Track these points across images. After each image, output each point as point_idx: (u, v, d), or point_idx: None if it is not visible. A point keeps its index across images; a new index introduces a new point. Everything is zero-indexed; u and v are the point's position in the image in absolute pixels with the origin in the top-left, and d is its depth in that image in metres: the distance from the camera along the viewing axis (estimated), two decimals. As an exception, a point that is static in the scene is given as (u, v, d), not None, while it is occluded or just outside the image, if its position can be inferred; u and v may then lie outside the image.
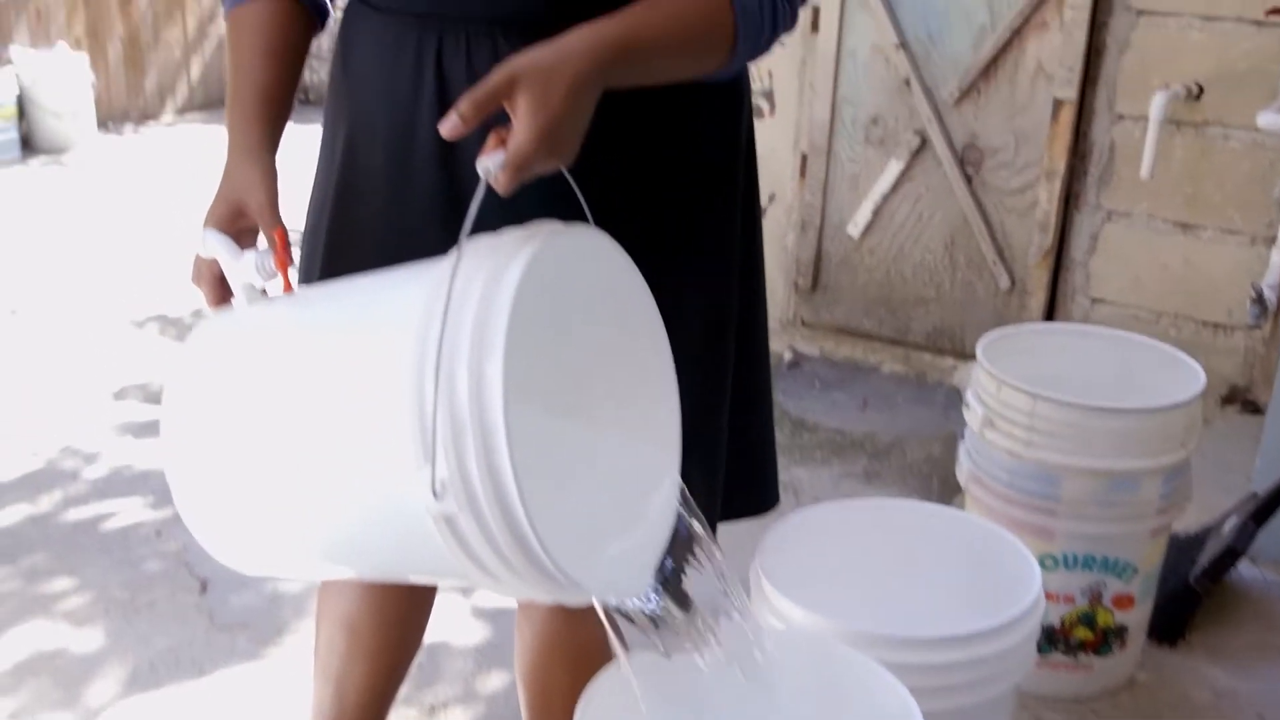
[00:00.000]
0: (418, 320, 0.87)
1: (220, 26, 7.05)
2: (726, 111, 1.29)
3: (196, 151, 6.31)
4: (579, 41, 1.04)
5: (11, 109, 5.96)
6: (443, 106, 1.17)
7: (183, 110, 7.01)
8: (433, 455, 0.84)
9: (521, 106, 0.99)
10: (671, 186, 1.25)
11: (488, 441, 0.82)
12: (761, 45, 1.19)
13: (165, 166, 6.01)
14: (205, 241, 1.14)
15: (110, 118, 6.66)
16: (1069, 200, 3.32)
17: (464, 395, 0.83)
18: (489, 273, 0.88)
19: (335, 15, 1.36)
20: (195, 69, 7.03)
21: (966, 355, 3.49)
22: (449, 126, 0.99)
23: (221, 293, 1.15)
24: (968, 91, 3.30)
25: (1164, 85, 3.08)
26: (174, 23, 6.86)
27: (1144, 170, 3.07)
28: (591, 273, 1.00)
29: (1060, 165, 3.26)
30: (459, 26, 1.19)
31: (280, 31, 1.28)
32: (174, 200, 5.40)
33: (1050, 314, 3.43)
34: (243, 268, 1.10)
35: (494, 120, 1.00)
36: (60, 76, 6.09)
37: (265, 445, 1.00)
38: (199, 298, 1.16)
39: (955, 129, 3.35)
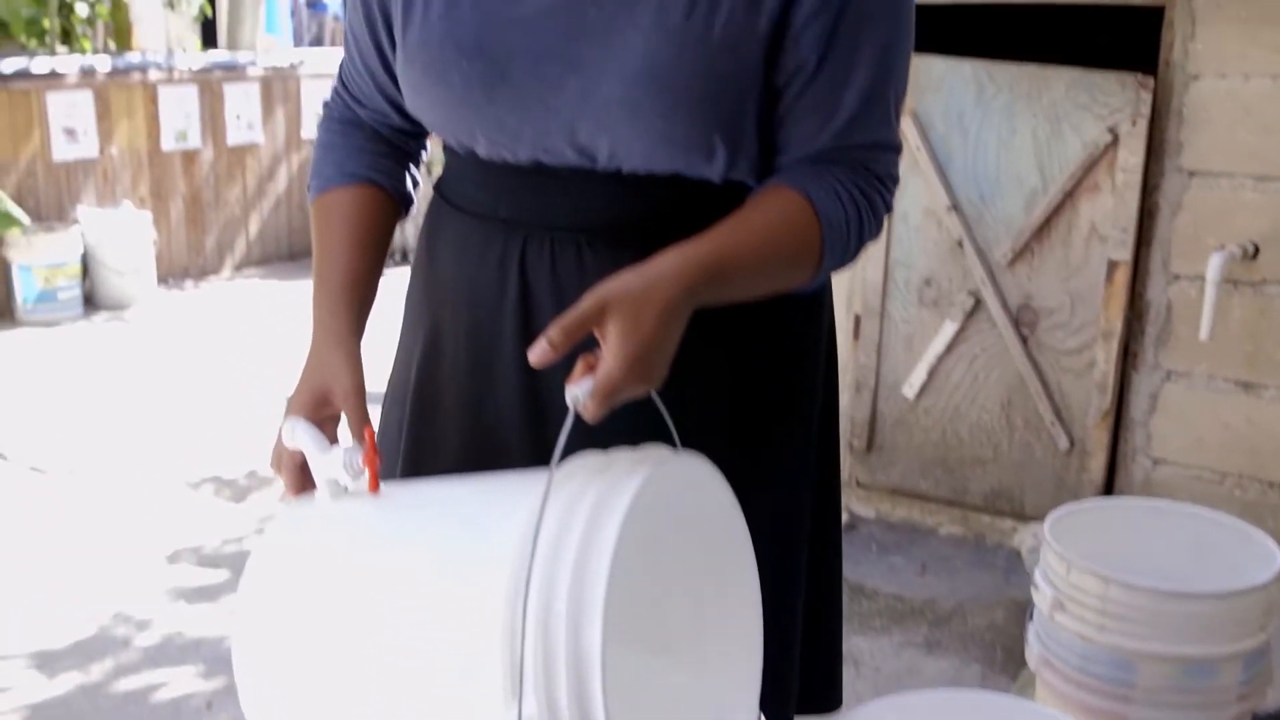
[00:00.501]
0: (513, 552, 0.86)
1: (279, 184, 7.24)
2: (808, 319, 1.29)
3: (254, 306, 6.42)
4: (669, 266, 1.04)
5: (76, 267, 6.11)
6: (526, 313, 1.21)
7: (240, 266, 7.15)
8: (519, 690, 0.82)
9: (612, 334, 0.98)
10: (751, 398, 1.24)
11: (581, 677, 0.80)
12: (847, 258, 1.19)
13: (223, 322, 6.12)
14: (293, 431, 1.14)
15: (171, 274, 6.81)
16: (1127, 360, 3.29)
17: (560, 631, 0.81)
18: (591, 503, 0.87)
19: (420, 204, 1.38)
20: (254, 225, 7.20)
21: (1026, 517, 3.43)
22: (538, 354, 0.98)
23: (302, 482, 1.15)
24: (1021, 253, 3.30)
25: (1219, 246, 3.06)
26: (235, 182, 7.05)
27: (1203, 332, 3.04)
28: (690, 500, 1.00)
29: (1117, 325, 3.23)
30: (543, 233, 1.20)
31: (367, 219, 1.30)
32: (232, 357, 5.48)
33: (1111, 476, 3.37)
34: (329, 462, 1.10)
35: (582, 343, 1.00)
36: (124, 235, 6.25)
37: (341, 655, 0.99)
38: (270, 472, 1.18)
39: (1009, 290, 3.35)
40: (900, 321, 3.51)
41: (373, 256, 1.29)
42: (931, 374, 3.49)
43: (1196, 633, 1.83)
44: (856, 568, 3.32)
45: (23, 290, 5.97)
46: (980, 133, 3.29)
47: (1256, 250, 3.08)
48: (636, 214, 1.17)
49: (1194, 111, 3.11)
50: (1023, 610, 2.08)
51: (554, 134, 1.16)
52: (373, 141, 1.35)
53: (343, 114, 1.37)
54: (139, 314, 6.22)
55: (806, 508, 1.31)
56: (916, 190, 3.39)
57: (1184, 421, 3.26)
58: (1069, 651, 1.93)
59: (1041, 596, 1.97)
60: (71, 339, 5.77)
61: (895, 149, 1.22)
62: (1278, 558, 1.96)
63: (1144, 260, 3.23)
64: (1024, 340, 3.36)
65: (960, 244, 3.36)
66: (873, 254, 3.49)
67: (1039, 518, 3.52)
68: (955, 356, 3.46)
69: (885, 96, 1.18)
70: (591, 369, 0.99)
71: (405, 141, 1.37)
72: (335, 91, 1.39)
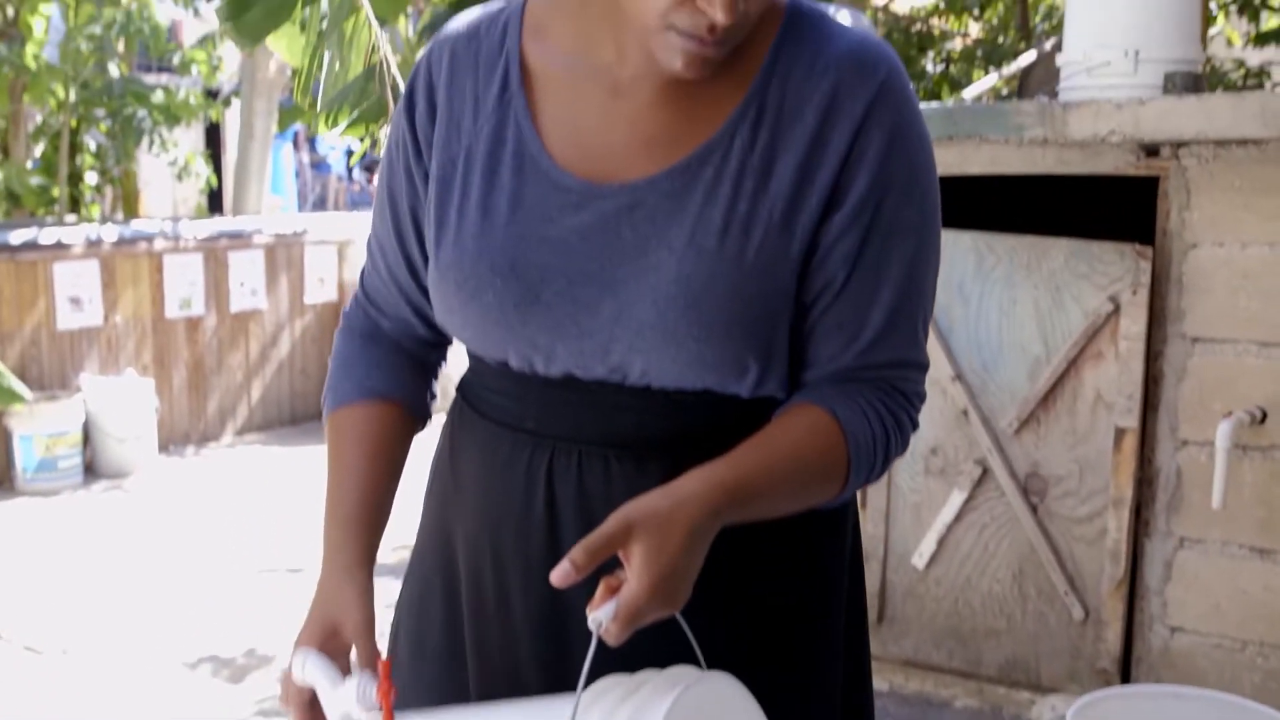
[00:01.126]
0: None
1: (281, 349, 7.27)
2: (831, 533, 1.27)
3: (255, 472, 6.39)
4: (694, 487, 1.04)
5: (77, 435, 6.10)
6: (551, 525, 1.20)
7: (242, 431, 7.14)
8: None
9: (636, 556, 0.98)
10: (775, 613, 1.22)
11: None
12: (874, 476, 1.18)
13: (224, 489, 6.08)
14: (303, 665, 1.11)
15: (172, 440, 6.80)
16: (1139, 527, 3.25)
17: None
18: None
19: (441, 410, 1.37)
20: (256, 391, 7.21)
21: (1043, 688, 3.35)
22: (560, 575, 0.98)
23: (313, 719, 1.11)
24: (1027, 421, 3.29)
25: (1226, 411, 3.05)
26: (237, 348, 7.08)
27: (1215, 500, 3.01)
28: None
29: (1127, 493, 3.20)
30: (572, 446, 1.19)
31: (384, 439, 1.28)
32: (231, 527, 5.42)
33: (1128, 644, 3.29)
34: (342, 697, 1.06)
35: (604, 565, 1.00)
36: (126, 403, 6.26)
37: None
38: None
39: (1017, 458, 3.32)
40: (908, 491, 3.48)
41: (388, 479, 1.28)
42: (941, 543, 3.44)
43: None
44: (871, 746, 3.23)
45: (22, 459, 5.95)
46: (981, 302, 3.30)
47: (1264, 415, 3.06)
48: (665, 429, 1.18)
49: (1193, 279, 3.12)
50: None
51: (587, 353, 1.17)
52: (394, 355, 1.34)
53: (364, 326, 1.37)
54: (139, 482, 6.19)
55: (836, 712, 1.27)
56: (920, 359, 3.39)
57: (1200, 589, 3.20)
58: None
59: (1068, 793, 1.91)
60: (70, 509, 5.73)
61: (922, 367, 1.23)
62: (1309, 749, 1.90)
63: (1151, 427, 3.21)
64: (1033, 509, 3.32)
65: (965, 413, 3.34)
66: (878, 422, 3.47)
67: (1056, 689, 3.43)
68: (964, 526, 3.41)
69: (912, 314, 1.19)
70: (614, 591, 0.98)
71: (427, 353, 1.37)
72: (357, 301, 1.38)
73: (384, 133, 1.80)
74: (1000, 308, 3.28)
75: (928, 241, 1.21)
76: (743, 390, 1.17)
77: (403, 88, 1.59)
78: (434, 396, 1.36)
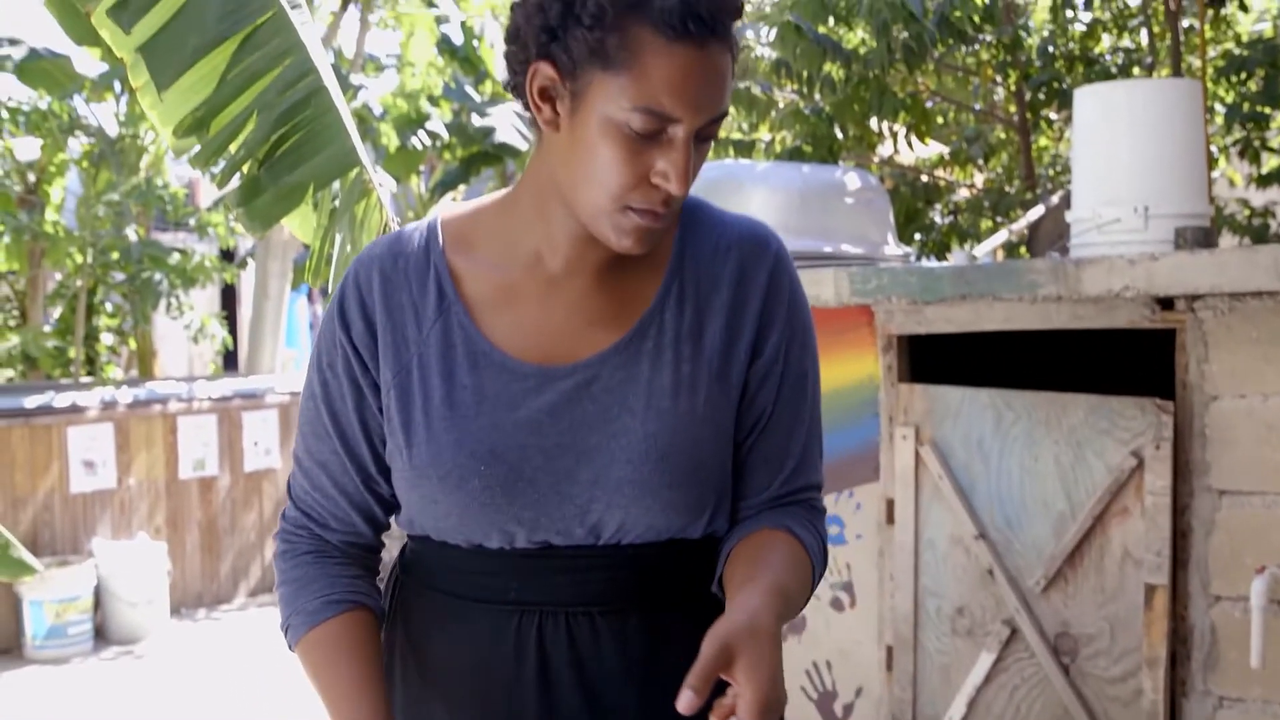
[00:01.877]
0: None
1: (296, 507, 7.21)
2: None
3: (267, 635, 6.29)
4: (757, 600, 1.20)
5: (88, 601, 6.02)
6: (545, 688, 1.31)
7: (255, 593, 7.06)
8: None
9: (742, 670, 1.12)
10: None
11: None
12: (819, 581, 1.40)
13: (236, 654, 5.97)
14: None
15: (184, 603, 6.71)
16: (1175, 687, 3.15)
17: None
18: None
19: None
20: (269, 551, 7.14)
21: None
22: (687, 703, 1.10)
23: None
24: (1054, 579, 3.22)
25: (1260, 568, 2.98)
26: (251, 508, 7.04)
27: (1254, 659, 2.92)
28: None
29: (1161, 652, 3.11)
30: (557, 609, 1.32)
31: (368, 647, 1.35)
32: (242, 694, 5.31)
33: (1171, 810, 3.17)
34: None
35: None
36: (138, 567, 6.20)
37: None
38: None
39: (1045, 617, 3.24)
40: (935, 653, 3.39)
41: (383, 685, 1.33)
42: (971, 706, 3.34)
43: None
44: None
45: (32, 626, 5.87)
46: (1002, 459, 3.26)
47: (1297, 569, 2.99)
48: (636, 582, 1.34)
49: (1217, 431, 3.08)
50: None
51: (569, 517, 1.31)
52: (344, 565, 1.41)
53: (309, 546, 1.42)
54: (150, 647, 6.09)
55: None
56: (941, 518, 3.34)
57: (1242, 752, 3.09)
58: None
59: None
60: (80, 677, 5.63)
61: (821, 486, 1.47)
62: None
63: (1182, 583, 3.14)
64: (1065, 669, 3.23)
65: (990, 572, 3.28)
66: (901, 583, 3.40)
67: None
68: (995, 687, 3.32)
69: (817, 443, 1.44)
70: (731, 711, 1.12)
71: (368, 558, 1.45)
72: (293, 526, 1.43)
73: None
74: (1022, 464, 3.24)
75: (817, 382, 1.45)
76: (697, 532, 1.36)
77: None
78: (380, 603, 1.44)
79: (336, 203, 2.02)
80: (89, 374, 8.38)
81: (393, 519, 1.44)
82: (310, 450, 1.39)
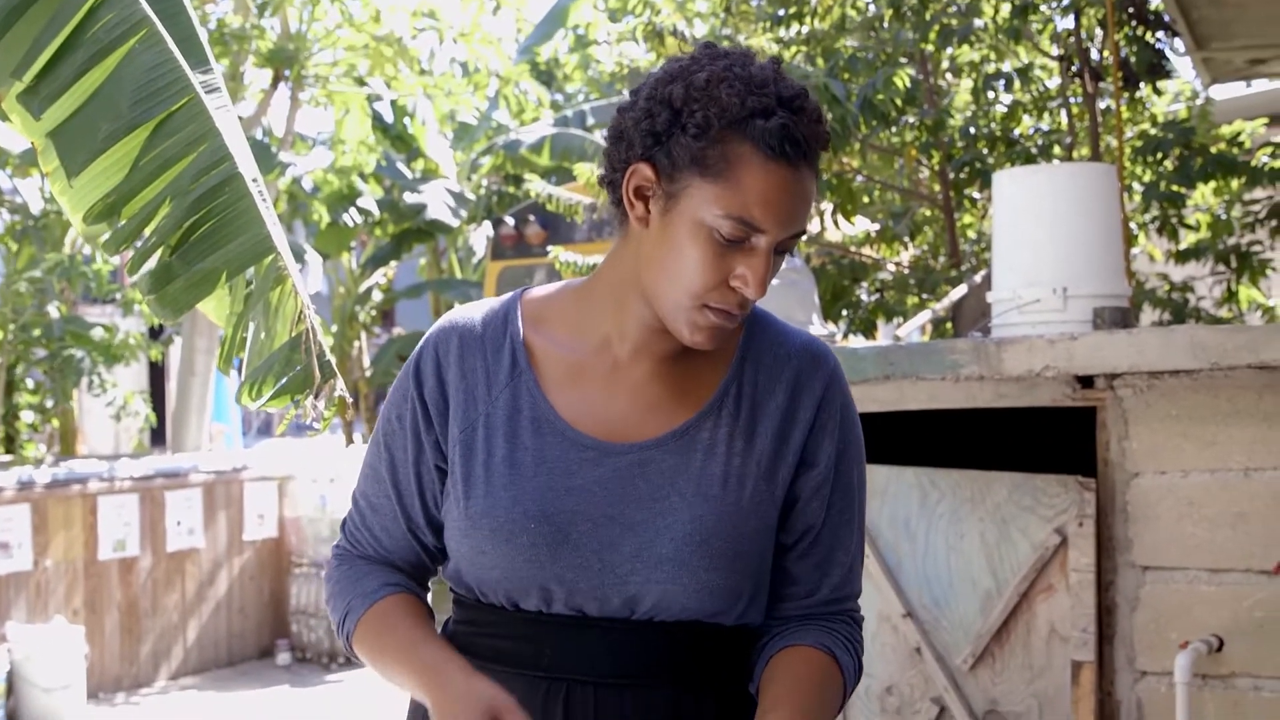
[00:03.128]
0: None
1: (219, 588, 7.08)
2: None
3: (188, 718, 6.12)
4: None
5: (1, 687, 5.83)
6: None
7: (176, 675, 6.88)
8: None
9: None
10: None
11: None
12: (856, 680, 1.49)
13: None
14: None
15: (102, 687, 6.52)
16: (1103, 765, 3.15)
17: None
18: None
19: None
20: (192, 632, 6.98)
21: None
22: None
23: None
24: (982, 657, 3.22)
25: (1183, 643, 2.99)
26: (173, 589, 6.89)
27: (1179, 736, 2.92)
28: None
29: (1089, 729, 3.11)
30: (585, 681, 1.39)
31: (427, 615, 1.47)
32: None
33: None
34: None
35: None
36: (54, 651, 6.02)
37: None
38: None
39: (973, 695, 3.24)
40: (864, 733, 3.36)
41: (443, 641, 1.44)
42: (902, 787, 3.32)
43: None
44: None
45: (-59, 717, 5.67)
46: (928, 538, 3.27)
47: (1221, 643, 3.01)
48: (666, 660, 1.40)
49: (1138, 508, 3.11)
50: None
51: (608, 585, 1.38)
52: (397, 572, 1.52)
53: (365, 554, 1.54)
54: (65, 735, 5.90)
55: None
56: (869, 597, 3.32)
57: (1171, 830, 3.09)
58: None
59: None
60: (-9, 769, 5.43)
61: (860, 593, 1.55)
62: None
63: (1108, 658, 3.15)
64: (995, 749, 3.21)
65: (918, 650, 3.27)
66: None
67: None
68: (925, 768, 3.30)
69: (861, 555, 1.53)
70: None
71: (422, 575, 1.56)
72: (348, 543, 1.56)
73: (309, 403, 1.80)
74: (948, 543, 3.25)
75: (864, 494, 1.55)
76: (730, 618, 1.43)
77: (329, 356, 1.73)
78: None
79: (251, 288, 1.99)
80: (8, 452, 8.19)
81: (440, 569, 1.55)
82: (365, 491, 1.52)
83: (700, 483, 1.40)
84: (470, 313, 1.51)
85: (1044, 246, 3.25)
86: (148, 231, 1.87)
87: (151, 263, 1.90)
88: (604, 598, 1.38)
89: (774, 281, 1.45)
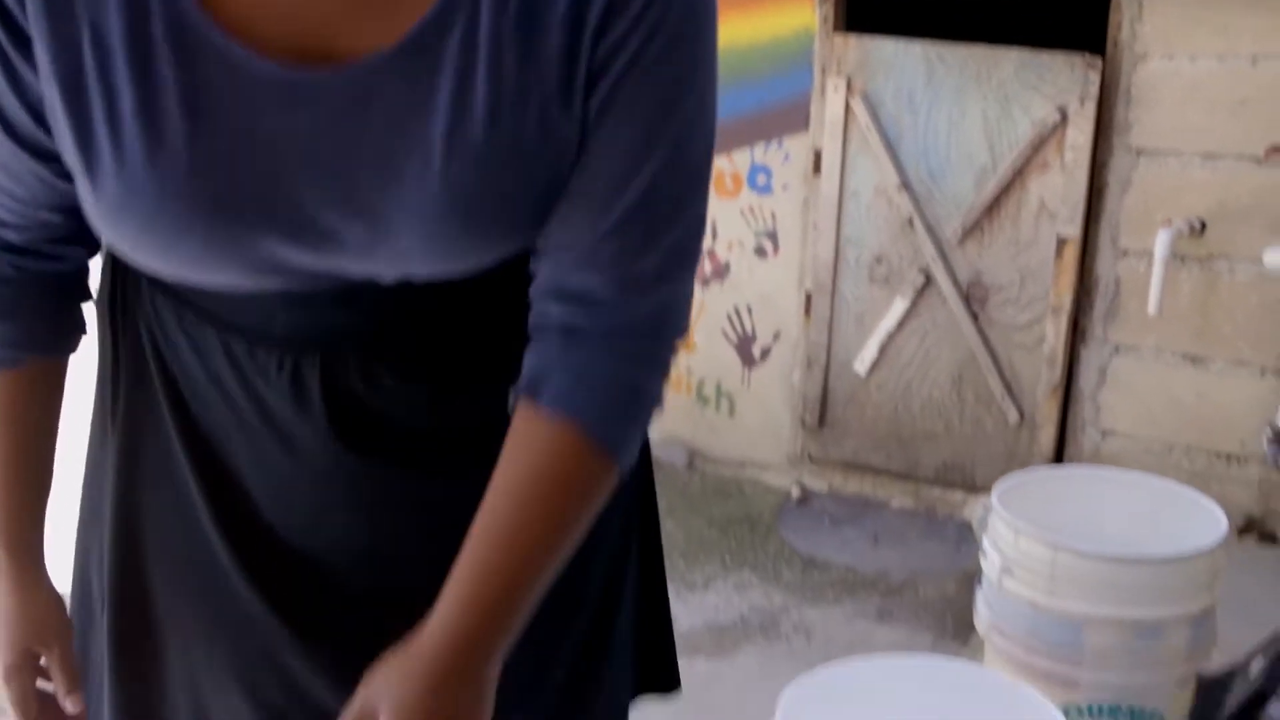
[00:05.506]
0: None
1: None
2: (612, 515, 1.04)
3: None
4: (427, 647, 0.88)
5: None
6: (338, 431, 0.99)
7: None
8: None
9: None
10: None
11: None
12: (646, 424, 0.97)
13: None
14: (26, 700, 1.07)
15: None
16: (1076, 335, 3.34)
17: None
18: None
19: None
20: None
21: (976, 489, 3.47)
22: None
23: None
24: (971, 230, 3.34)
25: (1167, 222, 3.11)
26: None
27: (1151, 307, 3.09)
28: None
29: (1066, 301, 3.28)
30: (341, 346, 0.98)
31: (25, 420, 1.06)
32: None
33: (1060, 448, 3.42)
34: None
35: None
36: None
37: None
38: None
39: (960, 267, 3.38)
40: (851, 299, 3.54)
41: (43, 467, 1.07)
42: (883, 350, 3.52)
43: (1144, 597, 1.85)
44: (808, 540, 3.35)
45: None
46: (930, 112, 3.31)
47: (1204, 226, 3.13)
48: (427, 313, 0.97)
49: (1142, 91, 3.15)
50: (973, 580, 2.11)
51: (333, 274, 0.92)
52: (22, 292, 1.01)
53: None
54: None
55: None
56: (867, 169, 3.41)
57: (1133, 395, 3.31)
58: (1018, 617, 1.95)
59: (990, 563, 1.99)
60: None
61: (683, 290, 0.96)
62: (1224, 523, 1.99)
63: (1093, 237, 3.27)
64: (974, 316, 3.39)
65: (911, 222, 3.39)
66: (824, 232, 3.51)
67: (989, 490, 3.55)
68: (906, 333, 3.49)
69: (691, 199, 0.94)
70: None
71: (69, 252, 1.01)
72: None
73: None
74: (949, 118, 3.30)
75: (702, 110, 0.93)
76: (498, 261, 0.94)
77: None
78: (87, 297, 1.07)
79: None
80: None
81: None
82: None
83: (453, 125, 0.85)
84: None
85: None
86: None
87: None
88: (337, 277, 0.92)
89: None
